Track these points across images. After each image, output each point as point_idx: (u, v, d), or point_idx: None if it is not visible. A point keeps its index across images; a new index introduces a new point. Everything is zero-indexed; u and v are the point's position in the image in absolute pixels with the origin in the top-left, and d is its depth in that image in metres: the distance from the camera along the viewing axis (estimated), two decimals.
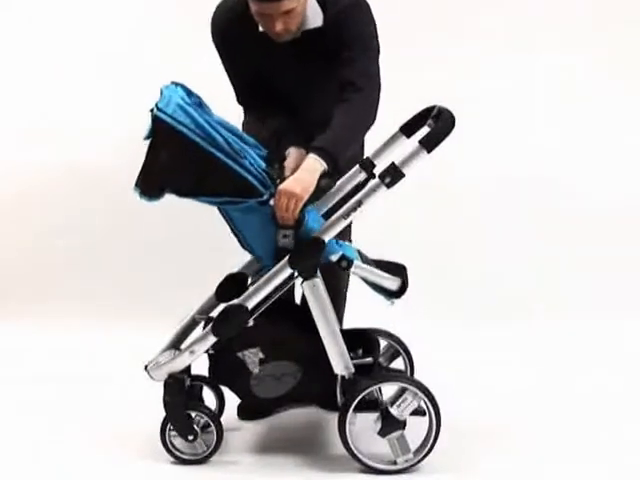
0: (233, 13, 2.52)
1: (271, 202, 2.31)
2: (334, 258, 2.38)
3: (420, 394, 2.38)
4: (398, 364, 2.82)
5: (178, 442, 2.49)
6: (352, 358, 2.44)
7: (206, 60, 2.74)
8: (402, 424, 2.39)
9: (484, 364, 3.32)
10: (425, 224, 3.94)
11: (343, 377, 2.43)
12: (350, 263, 2.40)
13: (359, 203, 2.35)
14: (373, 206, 2.35)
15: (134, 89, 3.64)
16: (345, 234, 2.66)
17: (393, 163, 2.32)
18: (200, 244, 3.86)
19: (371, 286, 2.51)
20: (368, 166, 2.59)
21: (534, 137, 3.97)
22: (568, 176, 3.96)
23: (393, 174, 2.31)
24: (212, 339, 2.40)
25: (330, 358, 2.41)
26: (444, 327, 3.61)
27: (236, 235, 2.45)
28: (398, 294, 2.49)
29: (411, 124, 2.56)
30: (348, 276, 2.91)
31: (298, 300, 2.77)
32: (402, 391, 2.40)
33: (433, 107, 2.47)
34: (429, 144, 2.30)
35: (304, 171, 2.34)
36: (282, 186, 2.31)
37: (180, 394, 2.45)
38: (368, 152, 2.67)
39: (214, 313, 2.51)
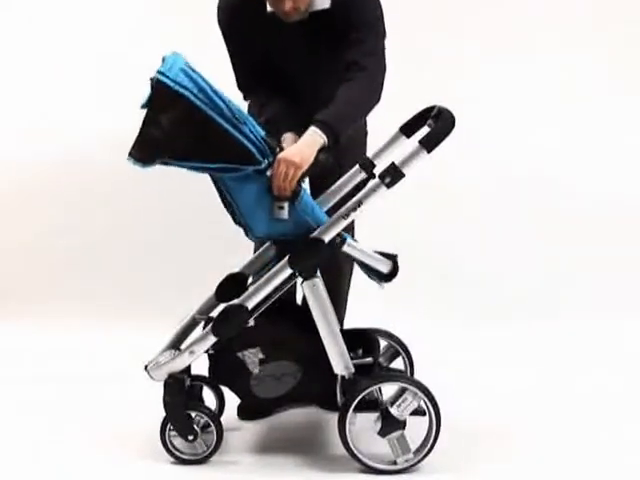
0: None
1: (268, 172, 2.28)
2: (326, 238, 2.36)
3: (420, 394, 2.38)
4: (398, 364, 2.82)
5: (178, 442, 2.49)
6: (352, 358, 2.44)
7: (206, 59, 2.73)
8: (402, 424, 2.39)
9: (484, 364, 3.32)
10: (425, 224, 3.94)
11: (343, 377, 2.42)
12: (343, 241, 2.39)
13: (359, 203, 2.35)
14: (373, 206, 2.35)
15: (135, 89, 3.64)
16: (348, 233, 2.65)
17: (393, 163, 2.32)
18: (200, 244, 3.86)
19: (362, 268, 2.51)
20: (368, 166, 2.59)
21: (534, 137, 3.97)
22: (568, 176, 3.96)
23: (393, 174, 2.31)
24: (212, 339, 2.40)
25: (330, 358, 2.41)
26: (444, 327, 3.61)
27: (229, 207, 2.39)
28: (389, 277, 2.48)
29: (411, 124, 2.57)
30: (349, 277, 2.91)
31: (298, 300, 2.78)
32: (402, 391, 2.40)
33: (433, 107, 2.47)
34: (429, 144, 2.30)
35: (304, 143, 2.34)
36: (282, 154, 2.29)
37: (180, 394, 2.45)
38: (368, 152, 2.68)
39: (214, 313, 2.51)
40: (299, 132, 2.43)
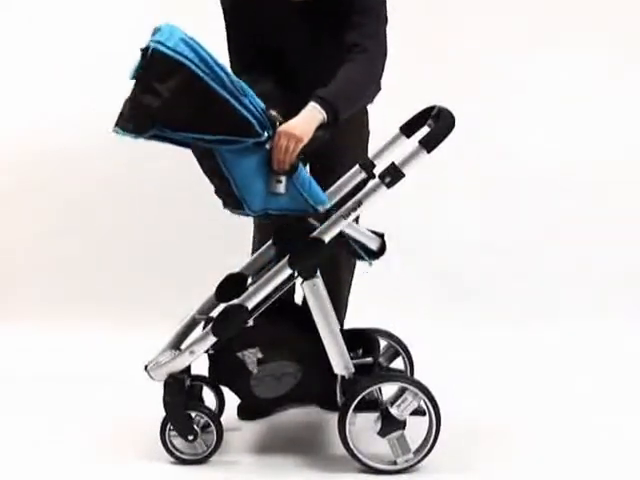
0: None
1: (267, 145, 2.26)
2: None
3: (420, 394, 2.38)
4: (398, 364, 2.82)
5: (178, 442, 2.49)
6: (352, 358, 2.44)
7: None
8: (402, 424, 2.39)
9: (484, 364, 3.32)
10: (425, 224, 3.94)
11: (343, 377, 2.43)
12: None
13: (359, 203, 2.35)
14: (373, 206, 2.35)
15: None
16: None
17: (393, 163, 2.32)
18: (200, 244, 3.86)
19: (354, 245, 2.46)
20: (368, 166, 2.59)
21: (534, 137, 3.97)
22: (568, 176, 3.96)
23: (393, 174, 2.31)
24: (212, 339, 2.40)
25: (330, 358, 2.41)
26: (444, 327, 3.61)
27: (212, 178, 2.33)
28: (377, 254, 2.46)
29: (411, 124, 2.57)
30: (350, 279, 2.91)
31: (298, 300, 2.78)
32: (402, 391, 2.40)
33: (433, 107, 2.47)
34: (429, 144, 2.30)
35: (304, 117, 2.32)
36: (283, 127, 2.27)
37: (180, 394, 2.45)
38: (368, 153, 2.68)
39: (214, 313, 2.51)
40: (284, 112, 2.36)
